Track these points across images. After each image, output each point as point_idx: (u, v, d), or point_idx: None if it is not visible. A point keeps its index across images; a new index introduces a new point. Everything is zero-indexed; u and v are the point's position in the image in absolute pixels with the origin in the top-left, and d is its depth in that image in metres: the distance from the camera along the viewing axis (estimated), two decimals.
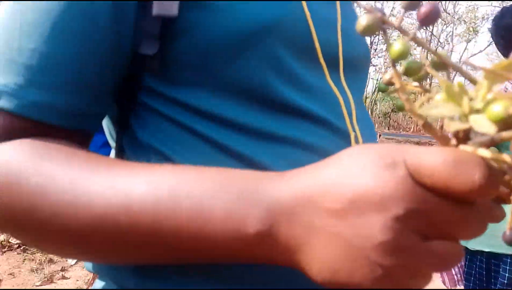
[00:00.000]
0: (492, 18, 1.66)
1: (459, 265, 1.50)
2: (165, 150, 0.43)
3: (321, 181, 0.29)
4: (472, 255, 1.45)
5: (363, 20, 0.27)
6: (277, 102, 0.44)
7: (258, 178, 0.32)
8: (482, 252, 1.41)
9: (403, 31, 0.27)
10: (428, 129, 0.27)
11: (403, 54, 0.26)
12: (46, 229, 0.34)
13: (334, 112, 0.47)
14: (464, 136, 0.27)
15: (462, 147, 0.27)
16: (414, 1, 0.26)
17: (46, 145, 0.37)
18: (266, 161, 0.43)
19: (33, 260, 2.96)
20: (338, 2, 0.53)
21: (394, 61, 0.27)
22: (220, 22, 0.42)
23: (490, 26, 1.66)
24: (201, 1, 0.41)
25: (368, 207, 0.27)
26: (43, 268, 2.86)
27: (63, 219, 0.33)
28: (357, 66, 0.55)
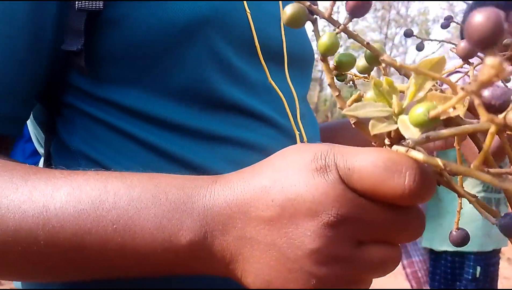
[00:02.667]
0: (444, 17, 1.70)
1: (424, 267, 1.53)
2: (96, 155, 0.40)
3: (253, 188, 0.27)
4: (437, 255, 1.48)
5: (288, 9, 0.25)
6: (215, 99, 0.42)
7: (191, 186, 0.30)
8: (447, 252, 1.44)
9: (333, 22, 0.25)
10: (360, 128, 0.25)
11: (331, 48, 0.24)
12: None
13: (277, 109, 0.46)
14: (397, 136, 0.25)
15: (396, 147, 0.25)
16: None
17: None
18: (204, 162, 0.40)
19: None
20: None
21: (323, 55, 0.25)
22: (151, 14, 0.39)
23: (460, 25, 1.70)
24: None
25: (299, 214, 0.25)
26: None
27: None
28: (303, 63, 0.53)
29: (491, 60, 0.14)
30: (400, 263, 1.71)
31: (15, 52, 0.37)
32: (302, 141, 0.47)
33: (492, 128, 0.19)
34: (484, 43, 0.15)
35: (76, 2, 0.37)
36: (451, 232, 0.31)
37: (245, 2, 0.45)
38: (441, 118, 0.19)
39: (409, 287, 1.60)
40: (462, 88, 0.16)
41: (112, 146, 0.40)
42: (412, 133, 0.20)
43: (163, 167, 0.39)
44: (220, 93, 0.42)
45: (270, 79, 0.46)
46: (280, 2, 0.51)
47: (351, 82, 0.42)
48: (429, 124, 0.19)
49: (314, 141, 0.50)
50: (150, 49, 0.39)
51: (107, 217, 0.29)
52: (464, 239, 0.31)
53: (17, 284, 0.44)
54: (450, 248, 1.44)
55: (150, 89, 0.40)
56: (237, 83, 0.43)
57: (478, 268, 1.39)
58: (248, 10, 0.45)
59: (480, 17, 0.14)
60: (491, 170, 0.20)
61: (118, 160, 0.39)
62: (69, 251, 0.29)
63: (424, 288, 1.56)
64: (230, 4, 0.43)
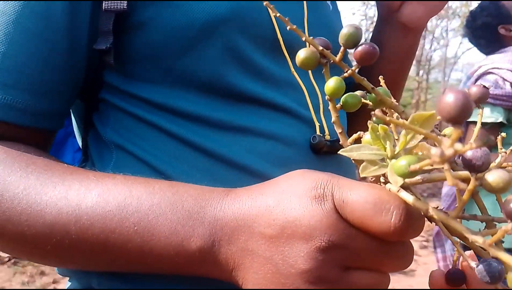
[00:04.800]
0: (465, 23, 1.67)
1: None
2: (127, 145, 0.44)
3: (258, 206, 0.30)
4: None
5: (301, 53, 0.27)
6: (236, 92, 0.44)
7: (205, 197, 0.33)
8: None
9: (343, 66, 0.28)
10: (359, 165, 0.28)
11: (338, 92, 0.27)
12: (2, 234, 0.34)
13: (299, 101, 0.47)
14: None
15: (389, 186, 0.27)
16: (355, 40, 0.26)
17: (3, 151, 0.37)
18: (227, 151, 0.43)
19: (24, 273, 2.86)
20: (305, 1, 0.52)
21: (330, 97, 0.27)
22: (174, 16, 0.42)
23: (464, 33, 1.68)
24: None
25: (295, 236, 0.28)
26: (35, 281, 2.78)
27: (16, 226, 0.34)
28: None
29: (453, 132, 0.17)
30: (435, 256, 1.68)
31: (54, 53, 0.41)
32: (322, 132, 0.47)
33: (471, 184, 0.21)
34: (451, 120, 0.17)
35: (103, 3, 0.41)
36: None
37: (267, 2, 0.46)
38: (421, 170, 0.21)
39: None
40: (438, 151, 0.18)
41: (141, 136, 0.44)
42: (395, 180, 0.22)
43: (187, 156, 0.42)
44: (240, 87, 0.44)
45: (293, 70, 0.47)
46: (305, 2, 0.52)
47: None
48: (409, 176, 0.21)
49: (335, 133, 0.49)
50: (172, 48, 0.43)
51: (130, 219, 0.33)
52: None
53: (58, 269, 0.48)
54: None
55: (174, 84, 0.43)
56: (256, 77, 0.45)
57: None
58: (270, 8, 0.46)
59: (450, 98, 0.17)
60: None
61: (147, 150, 0.43)
62: (96, 246, 0.33)
63: None
64: (249, 3, 0.45)
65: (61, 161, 0.40)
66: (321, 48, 0.27)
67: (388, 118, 0.21)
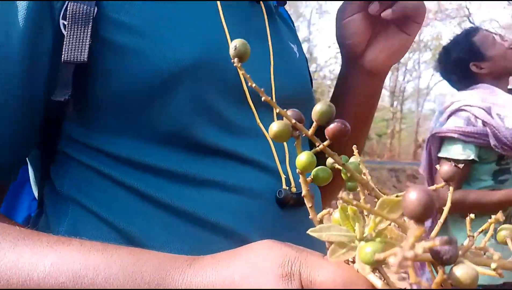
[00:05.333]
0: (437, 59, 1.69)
1: None
2: (85, 201, 0.42)
3: (223, 279, 0.29)
4: None
5: (274, 126, 0.27)
6: (201, 144, 0.43)
7: (167, 268, 0.31)
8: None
9: (314, 140, 0.28)
10: (329, 244, 0.27)
11: (309, 166, 0.26)
12: None
13: (265, 152, 0.46)
14: None
15: (358, 266, 0.26)
16: (328, 117, 0.26)
17: None
18: (193, 207, 0.41)
19: None
20: (269, 40, 0.52)
21: (302, 171, 0.27)
22: (137, 66, 0.41)
23: (436, 67, 1.70)
24: (114, 45, 0.41)
25: None
26: None
27: None
28: (295, 104, 0.52)
29: (415, 231, 0.16)
30: None
31: (9, 105, 0.39)
32: (288, 184, 0.46)
33: (439, 277, 0.21)
34: (414, 218, 0.16)
35: (63, 54, 0.39)
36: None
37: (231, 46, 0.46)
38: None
39: None
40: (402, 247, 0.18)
41: (100, 190, 0.42)
42: (362, 268, 0.21)
43: (150, 212, 0.41)
44: (206, 139, 0.43)
45: (258, 121, 0.46)
46: (270, 44, 0.52)
47: None
48: (375, 264, 0.20)
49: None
50: (135, 99, 0.41)
51: None
52: None
53: None
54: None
55: (137, 136, 0.42)
56: (223, 128, 0.44)
57: None
58: (238, 68, 0.45)
59: (413, 196, 0.17)
60: None
61: (106, 206, 0.41)
62: None
63: None
64: (215, 50, 0.44)
65: (12, 222, 0.37)
66: (294, 121, 0.27)
67: (355, 203, 0.21)
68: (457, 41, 1.58)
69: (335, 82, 0.65)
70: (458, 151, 1.39)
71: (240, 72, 0.41)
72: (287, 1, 0.62)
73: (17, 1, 0.39)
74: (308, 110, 0.58)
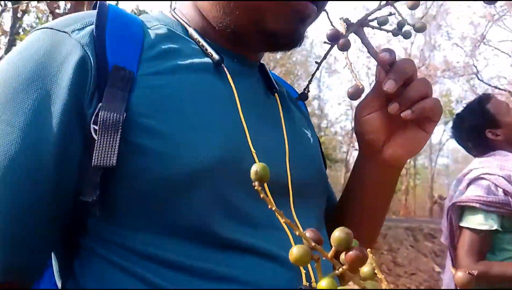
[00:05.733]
0: (452, 125, 1.65)
1: None
2: None
3: None
4: None
5: (295, 250, 0.28)
6: (221, 240, 0.43)
7: None
8: None
9: (335, 263, 0.28)
10: None
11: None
12: None
13: (283, 246, 0.46)
14: None
15: None
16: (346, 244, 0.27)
17: None
18: None
19: None
20: (284, 130, 0.54)
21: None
22: (161, 166, 0.42)
23: (451, 134, 1.66)
24: (140, 148, 0.42)
25: None
26: None
27: None
28: (309, 192, 0.54)
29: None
30: None
31: (38, 206, 0.41)
32: (308, 279, 0.45)
33: None
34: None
35: (93, 160, 0.41)
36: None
37: (250, 143, 0.47)
38: None
39: None
40: None
41: (123, 287, 0.42)
42: None
43: None
44: (225, 234, 0.43)
45: (279, 217, 0.47)
46: (285, 133, 0.54)
47: None
48: None
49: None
50: (159, 197, 0.42)
51: None
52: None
53: None
54: None
55: (160, 232, 0.43)
56: (242, 223, 0.45)
57: None
58: (253, 150, 0.47)
59: None
60: None
61: None
62: None
63: None
64: (235, 149, 0.46)
65: None
66: (313, 243, 0.28)
67: None
68: (471, 108, 1.58)
69: (345, 139, 0.66)
70: (480, 221, 1.35)
71: (261, 195, 0.44)
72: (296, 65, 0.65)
73: (51, 106, 0.42)
74: (322, 194, 0.60)
